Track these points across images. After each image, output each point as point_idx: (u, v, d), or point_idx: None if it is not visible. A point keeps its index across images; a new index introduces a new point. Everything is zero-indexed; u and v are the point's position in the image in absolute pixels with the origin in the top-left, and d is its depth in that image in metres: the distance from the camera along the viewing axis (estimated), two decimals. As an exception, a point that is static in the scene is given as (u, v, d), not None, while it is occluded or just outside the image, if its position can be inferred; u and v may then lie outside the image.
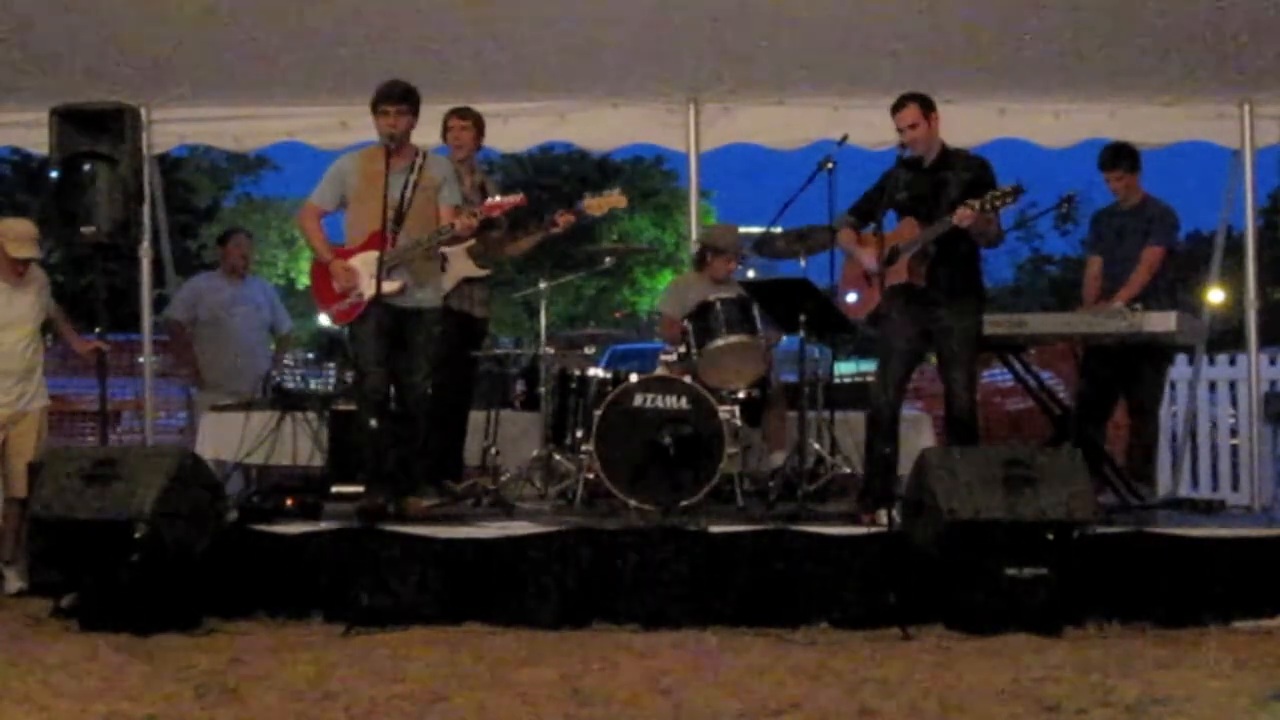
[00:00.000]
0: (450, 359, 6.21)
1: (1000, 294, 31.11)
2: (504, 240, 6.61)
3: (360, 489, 6.02)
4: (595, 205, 6.47)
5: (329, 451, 6.58)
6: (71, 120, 6.14)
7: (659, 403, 6.13)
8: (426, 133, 6.18)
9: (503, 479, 6.52)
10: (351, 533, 5.37)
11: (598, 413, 6.12)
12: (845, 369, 8.41)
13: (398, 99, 5.72)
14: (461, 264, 6.37)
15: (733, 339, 6.29)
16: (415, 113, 5.82)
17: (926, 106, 5.80)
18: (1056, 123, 7.52)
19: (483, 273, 6.49)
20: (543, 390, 6.65)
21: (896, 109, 5.82)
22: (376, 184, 5.62)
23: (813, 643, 4.85)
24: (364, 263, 5.75)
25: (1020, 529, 4.93)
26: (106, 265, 6.54)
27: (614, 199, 6.49)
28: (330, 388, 6.98)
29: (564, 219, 6.49)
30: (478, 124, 6.53)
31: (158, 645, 4.79)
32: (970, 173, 5.78)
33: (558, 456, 6.63)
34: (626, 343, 14.14)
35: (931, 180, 5.84)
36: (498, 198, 6.01)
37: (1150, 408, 6.59)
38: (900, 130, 5.81)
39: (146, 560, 5.00)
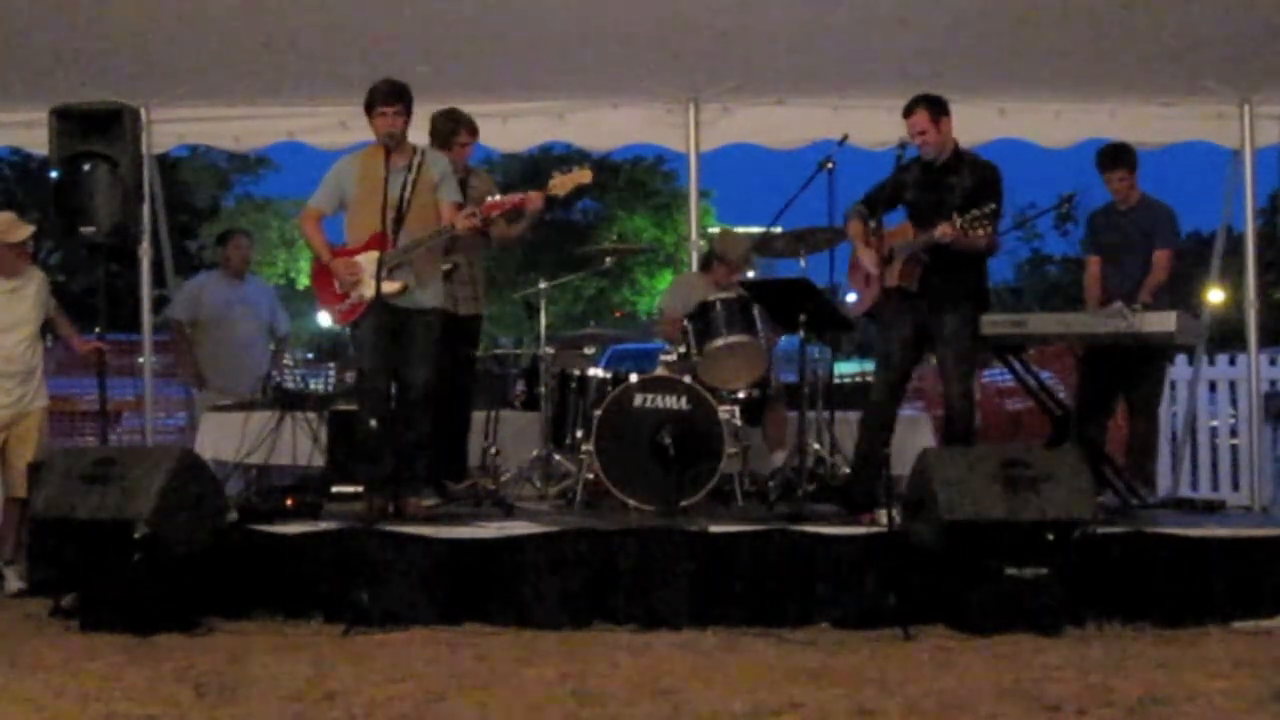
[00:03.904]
0: (438, 359, 5.96)
1: (1000, 294, 31.13)
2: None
3: (360, 489, 6.02)
4: (560, 184, 6.04)
5: (329, 451, 6.59)
6: (71, 120, 6.14)
7: (659, 403, 6.13)
8: (416, 134, 6.14)
9: (503, 479, 6.51)
10: (351, 533, 5.37)
11: (598, 413, 6.12)
12: (845, 369, 8.41)
13: (394, 99, 5.72)
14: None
15: (733, 339, 6.30)
16: (410, 110, 5.80)
17: (936, 111, 5.79)
18: (1056, 123, 7.52)
19: (445, 266, 6.16)
20: (543, 390, 6.65)
21: (907, 113, 5.81)
22: (376, 184, 5.60)
23: (813, 643, 4.84)
24: (367, 262, 5.73)
25: (1020, 529, 4.93)
26: (107, 265, 6.54)
27: (578, 175, 6.05)
28: (330, 388, 6.98)
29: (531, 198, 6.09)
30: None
31: (158, 645, 4.79)
32: (974, 178, 5.79)
33: (558, 456, 6.63)
34: (626, 343, 14.12)
35: (936, 183, 5.85)
36: (498, 196, 5.98)
37: (1150, 408, 6.58)
38: (910, 136, 5.81)
39: (146, 560, 5.00)
